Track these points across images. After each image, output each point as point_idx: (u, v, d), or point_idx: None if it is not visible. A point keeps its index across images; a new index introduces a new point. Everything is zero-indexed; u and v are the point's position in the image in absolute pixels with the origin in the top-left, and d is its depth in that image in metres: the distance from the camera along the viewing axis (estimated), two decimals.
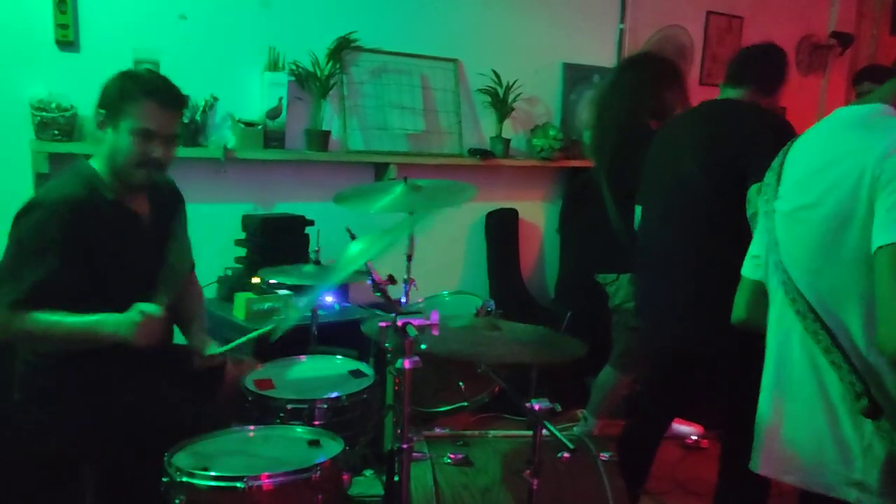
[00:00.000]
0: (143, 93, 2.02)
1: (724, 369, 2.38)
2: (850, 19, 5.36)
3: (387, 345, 2.59)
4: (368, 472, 2.95)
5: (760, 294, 1.59)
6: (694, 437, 3.61)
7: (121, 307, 1.95)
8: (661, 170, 2.62)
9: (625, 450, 2.52)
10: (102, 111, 2.04)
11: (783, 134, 2.02)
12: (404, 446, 1.46)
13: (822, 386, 1.39)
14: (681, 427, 3.56)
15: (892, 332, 1.19)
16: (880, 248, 1.24)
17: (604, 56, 4.16)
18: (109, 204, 2.05)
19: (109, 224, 2.04)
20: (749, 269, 1.65)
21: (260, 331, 2.20)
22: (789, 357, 1.46)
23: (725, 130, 2.41)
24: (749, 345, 1.76)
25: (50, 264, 1.92)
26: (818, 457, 1.40)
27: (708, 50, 4.77)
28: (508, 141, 3.98)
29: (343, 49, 3.43)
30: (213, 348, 2.20)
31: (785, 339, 1.47)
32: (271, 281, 2.91)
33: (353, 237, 1.85)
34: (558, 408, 1.64)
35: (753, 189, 2.20)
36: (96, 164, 2.09)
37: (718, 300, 1.84)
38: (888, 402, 1.29)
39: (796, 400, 1.45)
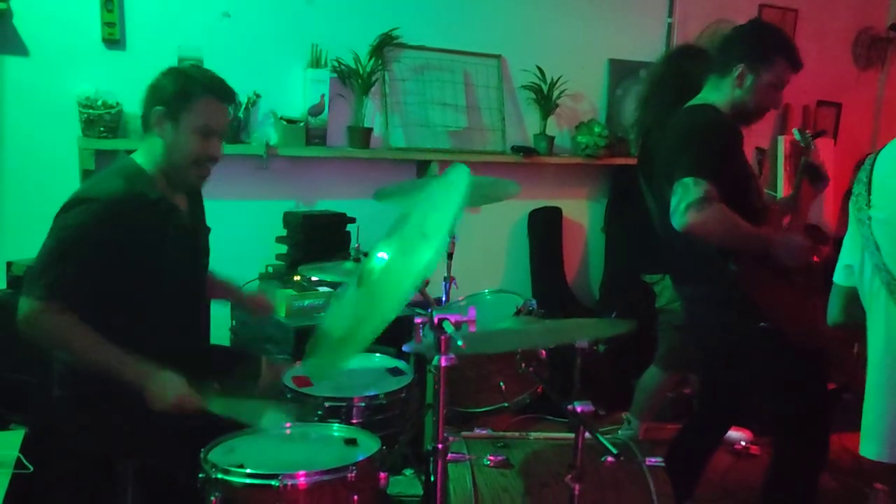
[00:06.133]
0: (206, 90, 2.01)
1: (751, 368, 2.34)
2: None
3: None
4: (408, 472, 2.93)
5: (853, 299, 1.72)
6: (743, 443, 3.51)
7: (160, 300, 1.97)
8: None
9: (676, 454, 2.49)
10: (160, 108, 2.00)
11: None
12: (440, 446, 1.42)
13: None
14: (730, 432, 3.46)
15: None
16: None
17: (651, 51, 4.05)
18: (153, 202, 2.03)
19: (151, 221, 2.00)
20: (841, 278, 1.77)
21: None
22: None
23: None
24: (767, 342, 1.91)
25: (85, 262, 1.90)
26: None
27: None
28: (552, 138, 3.93)
29: (385, 46, 3.43)
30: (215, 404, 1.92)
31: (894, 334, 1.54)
32: (312, 278, 2.91)
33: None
34: (601, 412, 1.58)
35: None
36: (141, 160, 2.07)
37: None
38: None
39: None
